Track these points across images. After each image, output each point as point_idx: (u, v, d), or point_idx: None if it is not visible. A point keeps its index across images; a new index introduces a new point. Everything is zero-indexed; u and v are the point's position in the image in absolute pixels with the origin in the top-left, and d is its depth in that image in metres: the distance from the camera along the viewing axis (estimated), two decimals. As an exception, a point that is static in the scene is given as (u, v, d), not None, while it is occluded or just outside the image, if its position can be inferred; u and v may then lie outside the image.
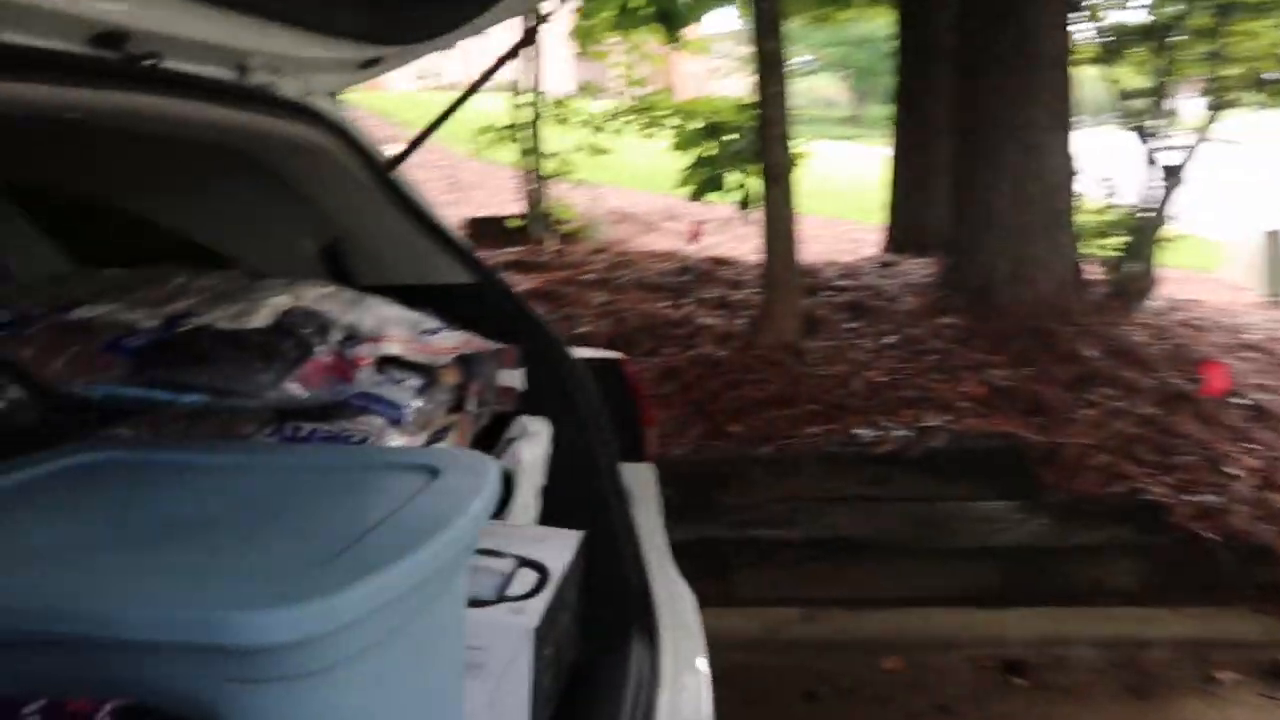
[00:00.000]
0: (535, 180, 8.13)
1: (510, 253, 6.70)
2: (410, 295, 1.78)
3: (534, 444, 1.73)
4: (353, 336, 1.47)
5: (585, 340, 4.43)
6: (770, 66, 4.41)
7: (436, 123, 1.75)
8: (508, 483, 1.70)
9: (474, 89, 1.74)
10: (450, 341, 1.58)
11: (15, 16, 1.02)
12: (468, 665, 1.22)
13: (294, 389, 1.26)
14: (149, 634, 0.76)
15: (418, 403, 1.47)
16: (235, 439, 1.33)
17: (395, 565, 0.87)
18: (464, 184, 11.32)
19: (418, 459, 1.17)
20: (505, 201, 9.09)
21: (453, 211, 9.35)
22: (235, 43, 1.37)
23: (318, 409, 1.36)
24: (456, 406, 1.74)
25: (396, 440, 1.37)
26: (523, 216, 8.10)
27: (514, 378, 1.76)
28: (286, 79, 1.52)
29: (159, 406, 1.28)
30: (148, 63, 1.19)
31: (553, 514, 1.78)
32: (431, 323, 1.61)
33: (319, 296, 1.56)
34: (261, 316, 1.40)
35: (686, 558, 3.48)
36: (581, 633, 1.56)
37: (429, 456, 1.18)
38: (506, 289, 1.80)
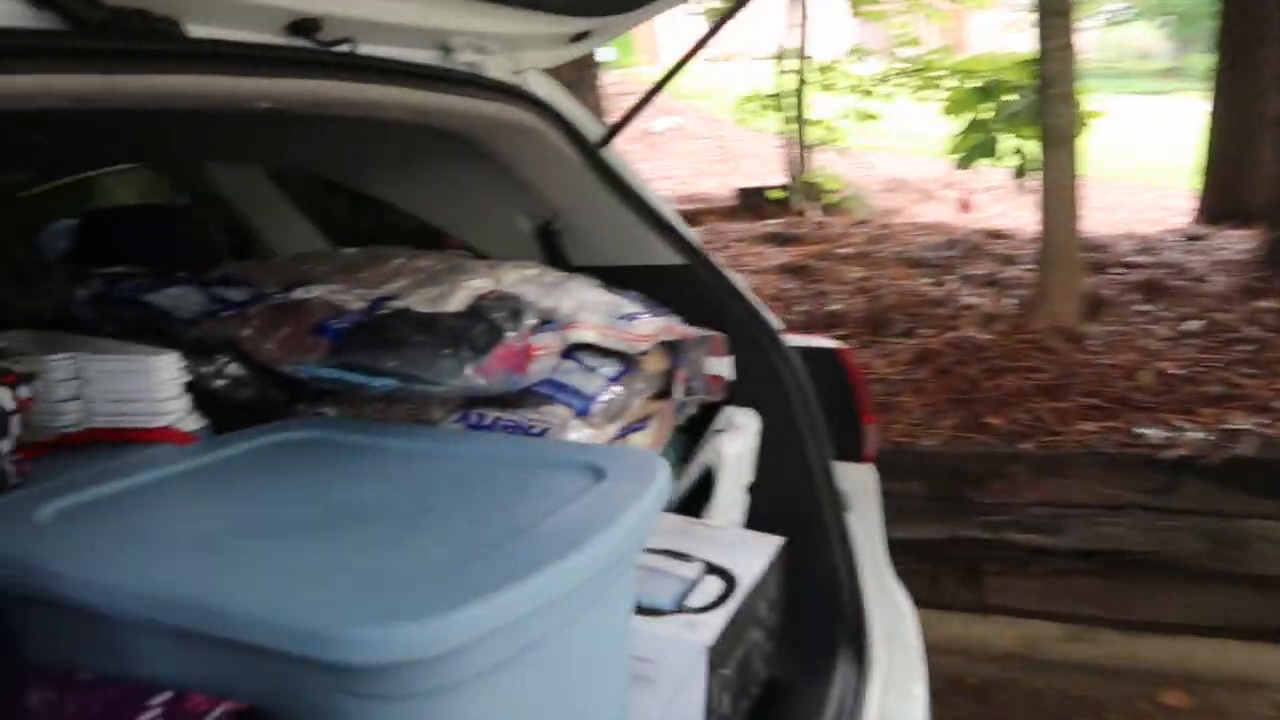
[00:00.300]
0: (799, 149, 7.90)
1: (768, 225, 6.55)
2: (620, 277, 1.72)
3: (740, 438, 1.61)
4: (548, 321, 1.43)
5: (834, 319, 4.23)
6: (1053, 17, 3.93)
7: (647, 97, 1.66)
8: (708, 479, 1.61)
9: (686, 59, 1.64)
10: (649, 328, 1.50)
11: (214, 10, 1.05)
12: (637, 678, 1.15)
13: (474, 378, 1.23)
14: (257, 638, 0.74)
15: (609, 393, 1.41)
16: (422, 424, 1.33)
17: (523, 582, 0.81)
18: (735, 153, 11.27)
19: (585, 457, 1.10)
20: (775, 171, 8.91)
21: (723, 182, 9.33)
22: (436, 23, 1.36)
23: (503, 396, 1.33)
24: (663, 394, 1.66)
25: (579, 433, 1.31)
26: (784, 187, 7.91)
27: (722, 366, 1.65)
28: (493, 57, 1.50)
29: (354, 389, 1.30)
30: (340, 49, 1.19)
31: (757, 515, 1.67)
32: (633, 307, 1.53)
33: (520, 279, 1.53)
34: (458, 300, 1.39)
35: (932, 557, 3.25)
36: (778, 650, 1.44)
37: (597, 455, 1.11)
38: (718, 271, 1.69)
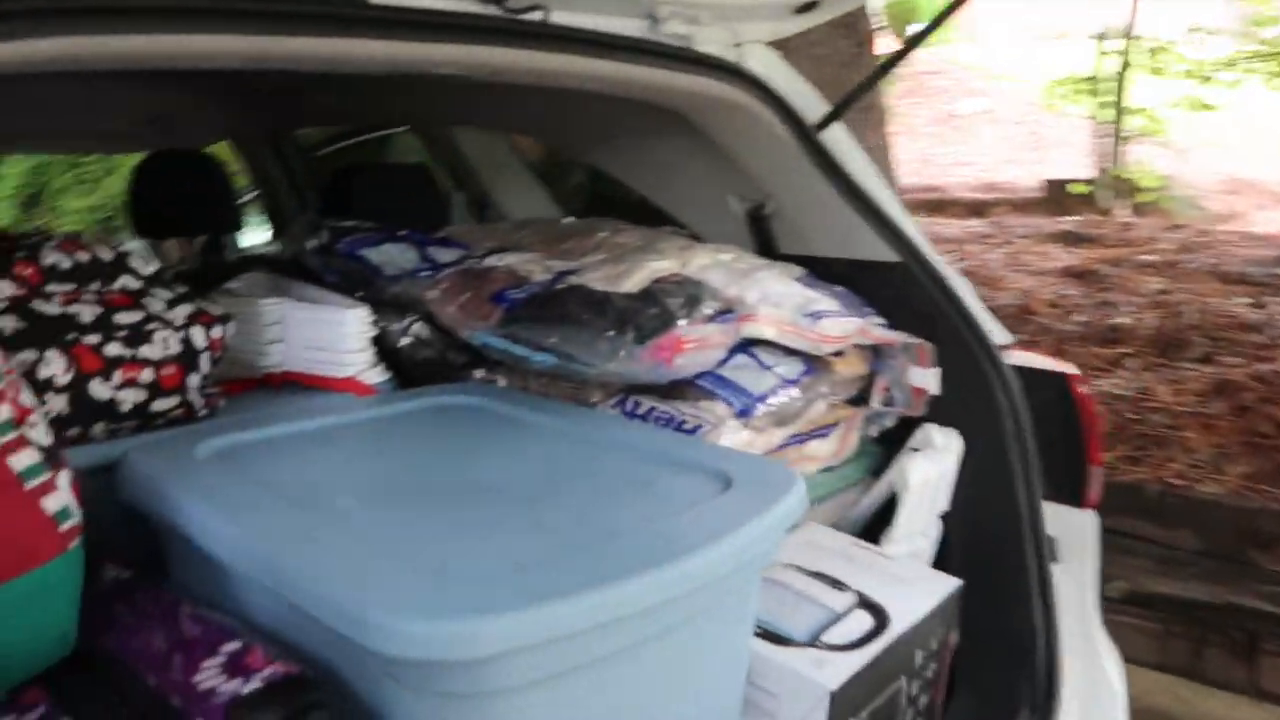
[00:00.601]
0: (1113, 139, 7.11)
1: (1064, 222, 5.95)
2: (829, 270, 1.60)
3: (935, 460, 1.45)
4: (726, 311, 1.35)
5: (1116, 334, 3.76)
6: None
7: (877, 75, 1.52)
8: (890, 503, 1.46)
9: (920, 39, 1.47)
10: (840, 328, 1.37)
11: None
12: (753, 707, 1.06)
13: (625, 365, 1.18)
14: (312, 608, 0.74)
15: (781, 396, 1.31)
16: (580, 404, 1.30)
17: (584, 595, 0.75)
18: (1048, 141, 10.35)
19: (718, 463, 1.02)
20: (1089, 163, 8.08)
21: (1030, 171, 8.61)
22: (642, -9, 1.31)
23: (663, 387, 1.27)
24: (859, 400, 1.53)
25: (734, 435, 1.23)
26: (1089, 181, 7.15)
27: (928, 378, 1.49)
28: (706, 29, 1.42)
29: (518, 361, 1.30)
30: (531, 16, 1.17)
31: (947, 550, 1.50)
32: (828, 304, 1.41)
33: (710, 264, 1.46)
34: (635, 280, 1.34)
35: (1199, 622, 2.82)
36: (946, 707, 1.29)
37: (731, 462, 1.02)
38: (936, 272, 1.52)
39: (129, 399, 1.09)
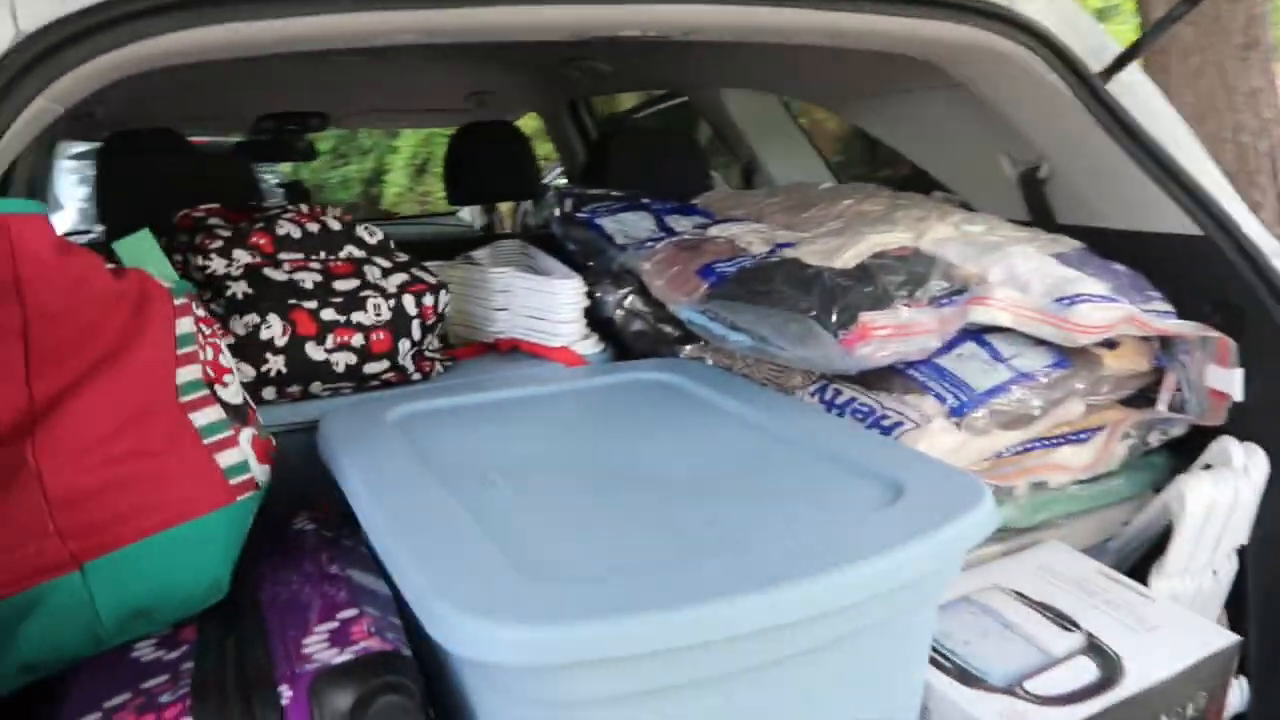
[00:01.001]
0: None
1: None
2: (1113, 243, 1.36)
3: (1227, 482, 1.18)
4: (959, 291, 1.18)
5: None
6: None
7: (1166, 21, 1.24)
8: (1168, 529, 1.21)
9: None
10: (1101, 316, 1.15)
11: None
12: (930, 753, 0.93)
13: (812, 350, 1.06)
14: (406, 594, 0.73)
15: (1015, 393, 1.12)
16: (779, 388, 1.20)
17: (682, 610, 0.68)
18: None
19: (893, 469, 0.89)
20: None
21: None
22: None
23: (867, 375, 1.14)
24: (1142, 400, 1.29)
25: (938, 437, 1.07)
26: None
27: (1229, 380, 1.21)
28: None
29: (715, 339, 1.23)
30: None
31: (1240, 593, 1.23)
32: (1092, 286, 1.19)
33: (950, 236, 1.29)
34: (853, 254, 1.21)
35: None
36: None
37: (907, 468, 0.89)
38: (1251, 250, 1.22)
39: (341, 361, 1.16)
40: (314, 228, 1.22)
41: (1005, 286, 1.17)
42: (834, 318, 1.07)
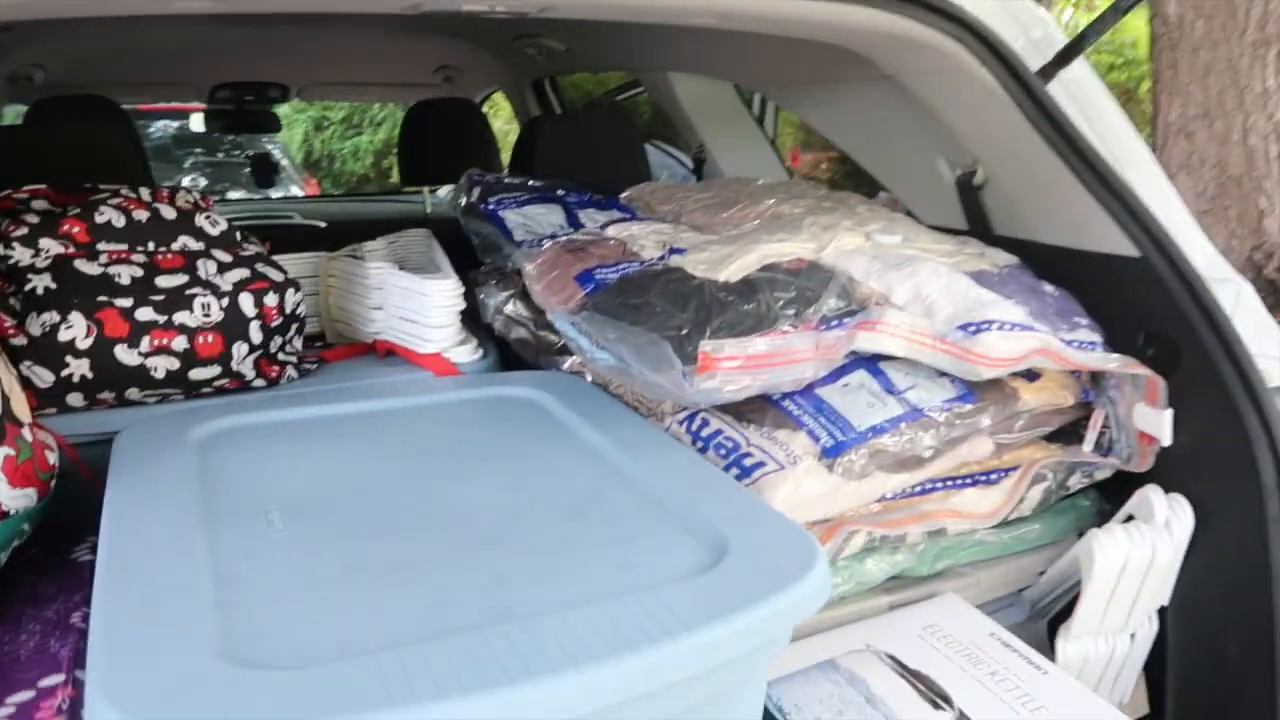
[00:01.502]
0: None
1: None
2: (1046, 259, 1.23)
3: (1143, 538, 1.05)
4: (851, 312, 1.05)
5: None
6: None
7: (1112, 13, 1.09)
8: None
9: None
10: (1010, 348, 1.01)
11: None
12: None
13: (665, 377, 0.94)
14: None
15: (907, 431, 0.99)
16: (642, 415, 1.07)
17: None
18: None
19: (719, 523, 0.77)
20: None
21: None
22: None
23: (735, 405, 1.01)
24: (1072, 435, 1.16)
25: (811, 480, 0.94)
26: None
27: (1157, 422, 1.08)
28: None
29: (583, 355, 1.10)
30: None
31: (1160, 658, 1.10)
32: (1005, 311, 1.06)
33: (858, 247, 1.16)
34: (740, 265, 1.08)
35: None
36: None
37: (735, 524, 0.77)
38: (1189, 276, 1.08)
39: (161, 366, 1.05)
40: (142, 215, 1.10)
41: (907, 309, 1.04)
42: (689, 346, 0.94)
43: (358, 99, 5.66)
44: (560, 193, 1.57)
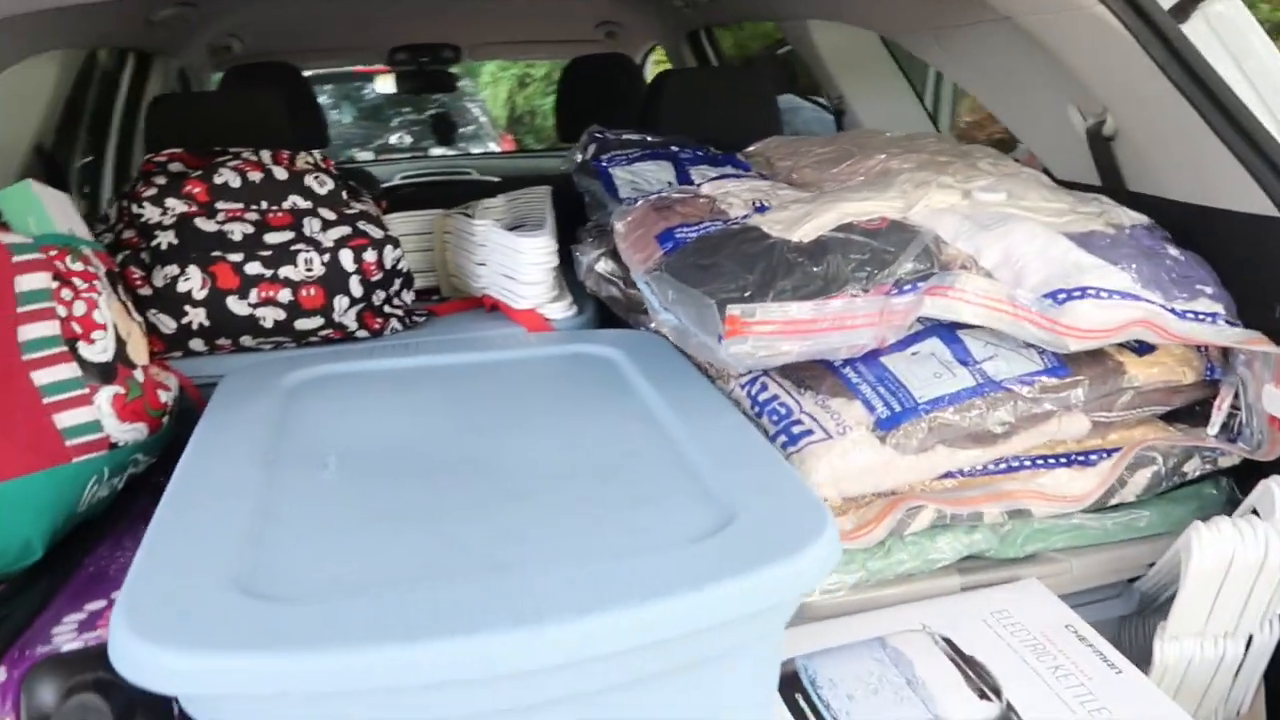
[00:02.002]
0: None
1: None
2: (1180, 219, 1.11)
3: (1256, 534, 0.94)
4: (926, 275, 0.99)
5: None
6: None
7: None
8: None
9: None
10: (1105, 317, 0.93)
11: None
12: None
13: (712, 342, 0.92)
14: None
15: (970, 404, 0.93)
16: (705, 378, 1.06)
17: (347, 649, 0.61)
18: None
19: (734, 490, 0.76)
20: None
21: None
22: None
23: (794, 368, 0.98)
24: (1199, 416, 1.06)
25: (858, 454, 0.90)
26: None
27: (1289, 405, 0.96)
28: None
29: (655, 313, 1.10)
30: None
31: None
32: (1108, 277, 0.97)
33: (950, 206, 1.09)
34: (815, 225, 1.04)
35: None
36: None
37: (749, 492, 0.76)
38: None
39: (269, 316, 1.14)
40: (256, 176, 1.19)
41: (996, 272, 0.97)
42: (737, 308, 0.92)
43: (525, 57, 5.80)
44: (675, 149, 1.56)
